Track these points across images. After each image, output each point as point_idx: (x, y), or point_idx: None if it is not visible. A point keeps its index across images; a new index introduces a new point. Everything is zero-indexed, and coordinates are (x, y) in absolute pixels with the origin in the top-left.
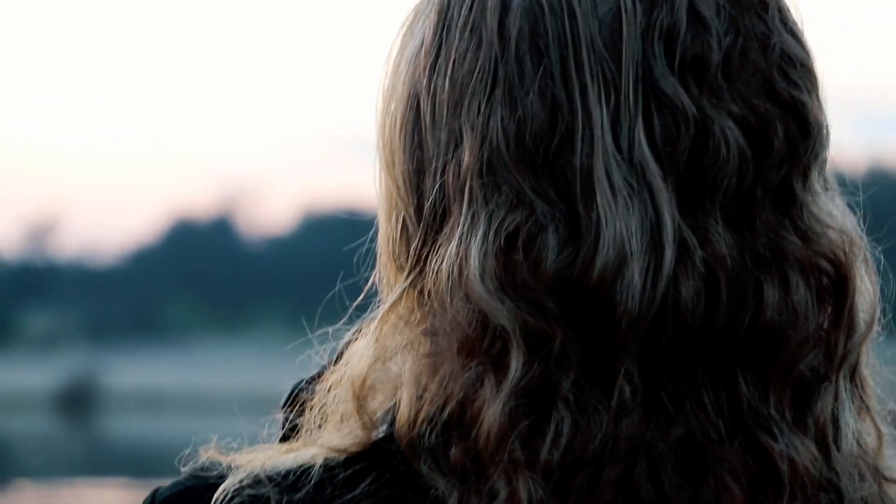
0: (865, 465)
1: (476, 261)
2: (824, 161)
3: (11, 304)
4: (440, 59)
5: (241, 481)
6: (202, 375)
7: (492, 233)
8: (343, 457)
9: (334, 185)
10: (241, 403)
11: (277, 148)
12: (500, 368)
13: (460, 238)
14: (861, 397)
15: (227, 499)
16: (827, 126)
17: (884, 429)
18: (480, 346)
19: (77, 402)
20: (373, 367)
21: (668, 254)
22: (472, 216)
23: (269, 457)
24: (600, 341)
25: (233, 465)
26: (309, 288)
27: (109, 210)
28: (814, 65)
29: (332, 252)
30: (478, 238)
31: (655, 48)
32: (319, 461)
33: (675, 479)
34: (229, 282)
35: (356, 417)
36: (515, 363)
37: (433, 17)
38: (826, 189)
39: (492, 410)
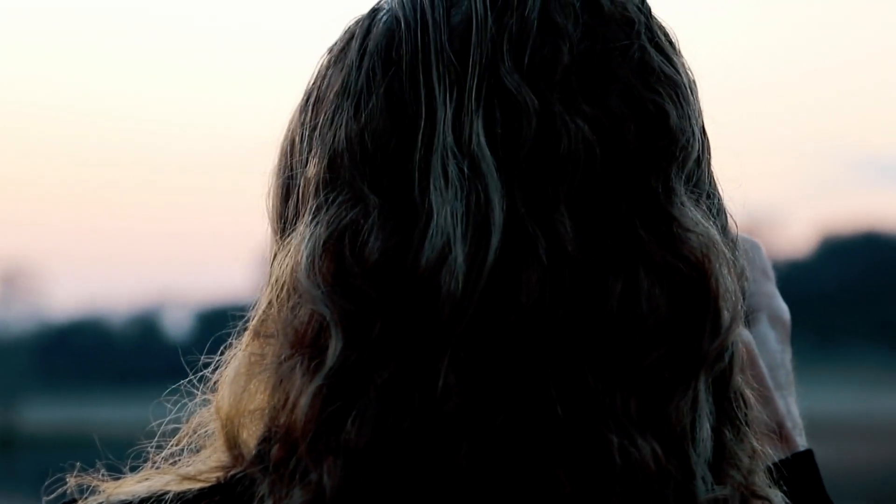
0: (731, 478)
1: (304, 256)
2: (693, 170)
3: None
4: (311, 96)
5: None
6: None
7: (324, 229)
8: (197, 485)
9: (851, 209)
10: None
11: (794, 174)
12: (317, 357)
13: (298, 241)
14: (736, 414)
15: None
16: (694, 136)
17: (758, 447)
18: (305, 339)
19: None
20: (240, 393)
21: (494, 240)
22: (313, 220)
23: (120, 485)
24: (424, 328)
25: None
26: (829, 312)
27: None
28: (684, 82)
29: (851, 275)
30: (310, 236)
31: (504, 51)
32: (173, 488)
33: (499, 464)
34: None
35: (220, 443)
36: (332, 350)
37: (315, 67)
38: (699, 199)
39: (303, 397)
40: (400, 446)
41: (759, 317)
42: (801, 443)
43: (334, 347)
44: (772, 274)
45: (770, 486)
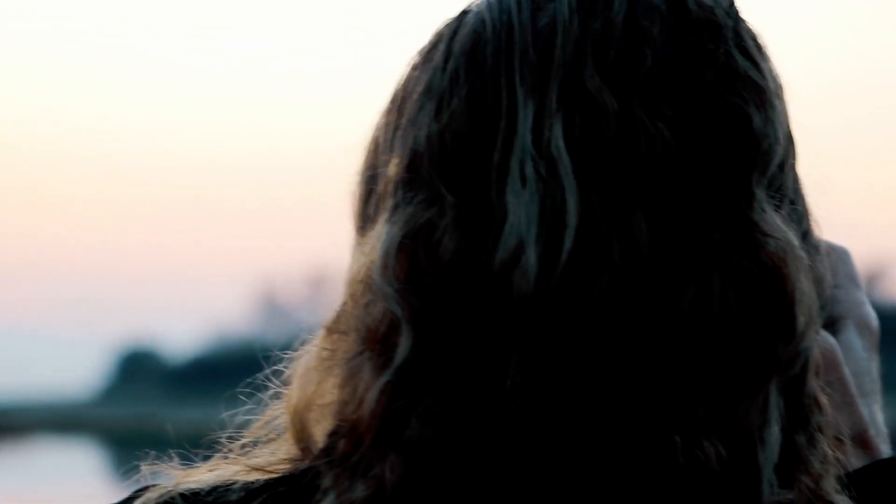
0: (800, 482)
1: (379, 254)
2: (776, 175)
3: None
4: (397, 97)
5: (155, 500)
6: None
7: (399, 228)
8: (265, 476)
9: None
10: None
11: None
12: (387, 353)
13: (375, 239)
14: (809, 419)
15: None
16: (777, 141)
17: (830, 453)
18: (377, 335)
19: None
20: (309, 387)
21: (568, 241)
22: (390, 219)
23: (189, 473)
24: (494, 327)
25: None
26: None
27: None
28: (770, 86)
29: None
30: (386, 235)
31: (587, 54)
32: (241, 478)
33: (562, 463)
34: None
35: (289, 436)
36: (403, 347)
37: (403, 68)
38: (781, 204)
39: (370, 392)
40: (463, 445)
41: (847, 324)
42: (885, 450)
43: (404, 345)
44: (860, 281)
45: (838, 492)
